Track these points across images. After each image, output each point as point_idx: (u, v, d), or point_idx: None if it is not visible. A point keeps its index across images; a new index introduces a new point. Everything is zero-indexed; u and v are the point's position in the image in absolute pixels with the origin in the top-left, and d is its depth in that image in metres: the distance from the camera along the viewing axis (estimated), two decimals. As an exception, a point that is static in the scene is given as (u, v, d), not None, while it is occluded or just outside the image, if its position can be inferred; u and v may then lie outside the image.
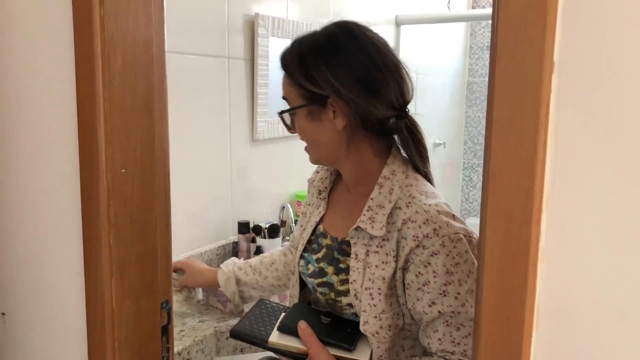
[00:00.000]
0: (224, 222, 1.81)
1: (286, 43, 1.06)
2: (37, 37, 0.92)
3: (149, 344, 0.98)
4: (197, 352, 1.28)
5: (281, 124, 1.09)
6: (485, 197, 0.57)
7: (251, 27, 1.83)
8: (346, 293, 1.02)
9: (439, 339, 0.93)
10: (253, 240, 1.77)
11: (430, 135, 3.34)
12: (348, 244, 1.03)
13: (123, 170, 0.89)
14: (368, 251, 0.98)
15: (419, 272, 0.93)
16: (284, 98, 1.05)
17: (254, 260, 1.34)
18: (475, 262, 0.93)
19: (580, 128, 0.53)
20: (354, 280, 0.99)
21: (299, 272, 1.13)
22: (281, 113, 1.05)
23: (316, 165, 1.18)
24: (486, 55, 3.69)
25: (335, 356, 0.96)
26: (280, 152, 2.04)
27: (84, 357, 0.97)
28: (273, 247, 1.78)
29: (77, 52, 0.86)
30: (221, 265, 1.33)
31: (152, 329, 0.98)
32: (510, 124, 0.54)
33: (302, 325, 0.98)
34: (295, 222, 2.05)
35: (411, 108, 1.05)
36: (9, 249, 1.04)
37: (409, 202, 0.96)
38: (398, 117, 1.00)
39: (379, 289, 0.95)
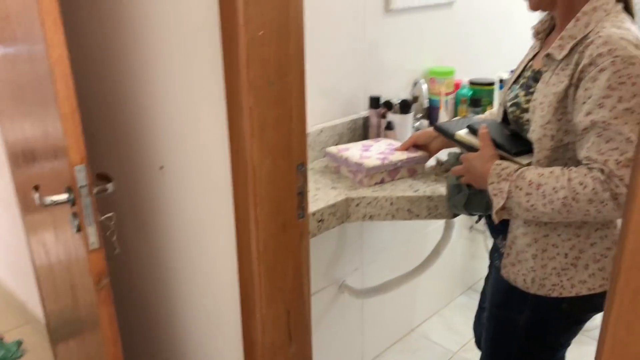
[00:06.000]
0: (356, 96, 1.80)
1: None
2: None
3: (286, 201, 1.05)
4: (329, 214, 1.35)
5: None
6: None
7: None
8: (528, 110, 1.14)
9: (588, 147, 1.00)
10: (384, 116, 1.76)
11: None
12: (542, 73, 1.14)
13: (261, 32, 0.91)
14: (552, 75, 1.09)
15: (587, 87, 1.01)
16: None
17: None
18: None
19: None
20: (535, 98, 1.12)
21: (504, 100, 1.25)
22: None
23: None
24: None
25: (501, 155, 1.13)
26: (415, 24, 1.93)
27: (229, 209, 1.08)
28: (404, 123, 1.76)
29: None
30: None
31: (289, 188, 1.05)
32: None
33: (484, 127, 1.17)
34: (429, 99, 1.99)
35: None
36: (164, 110, 1.15)
37: (598, 31, 1.03)
38: None
39: (550, 102, 1.07)
